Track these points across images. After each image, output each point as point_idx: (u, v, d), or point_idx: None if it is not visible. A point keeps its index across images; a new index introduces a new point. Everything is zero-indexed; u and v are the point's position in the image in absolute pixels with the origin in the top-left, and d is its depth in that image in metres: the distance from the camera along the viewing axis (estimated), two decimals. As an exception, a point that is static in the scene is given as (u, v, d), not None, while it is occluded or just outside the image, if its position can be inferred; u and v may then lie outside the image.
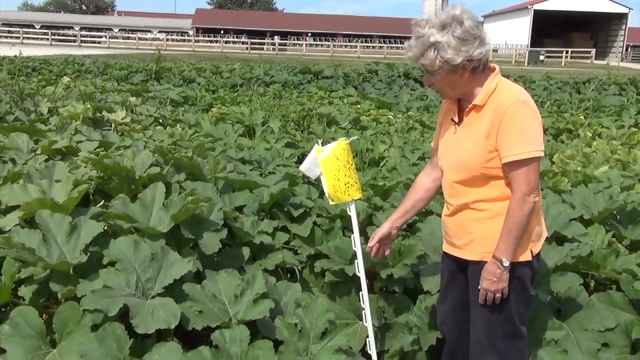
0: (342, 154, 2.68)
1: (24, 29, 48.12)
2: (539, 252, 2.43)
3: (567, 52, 46.01)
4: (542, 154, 2.23)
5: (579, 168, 5.69)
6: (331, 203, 2.77)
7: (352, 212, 2.76)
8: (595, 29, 57.40)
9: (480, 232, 2.36)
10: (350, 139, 2.82)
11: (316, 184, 4.15)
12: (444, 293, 2.69)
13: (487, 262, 2.33)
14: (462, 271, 2.52)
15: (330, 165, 2.67)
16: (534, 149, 2.18)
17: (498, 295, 2.30)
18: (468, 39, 2.20)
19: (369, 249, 2.74)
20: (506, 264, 2.25)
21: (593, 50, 49.09)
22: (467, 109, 2.34)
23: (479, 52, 2.22)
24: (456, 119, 2.41)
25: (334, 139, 2.80)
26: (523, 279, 2.35)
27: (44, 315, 2.75)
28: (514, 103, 2.19)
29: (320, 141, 2.80)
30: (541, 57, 44.27)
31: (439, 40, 2.19)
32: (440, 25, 2.20)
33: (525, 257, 2.33)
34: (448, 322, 2.66)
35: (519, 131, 2.18)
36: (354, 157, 6.81)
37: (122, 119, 7.00)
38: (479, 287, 2.33)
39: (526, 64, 42.19)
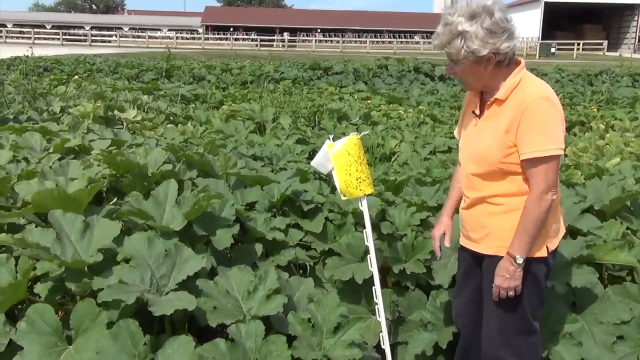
0: (354, 149, 2.68)
1: (35, 30, 48.43)
2: (556, 249, 2.40)
3: (578, 44, 45.60)
4: (562, 152, 2.20)
5: (591, 161, 5.65)
6: (343, 198, 2.77)
7: (364, 207, 2.76)
8: (607, 21, 56.80)
9: (496, 227, 2.34)
10: (362, 134, 2.81)
11: (327, 179, 4.15)
12: (460, 286, 2.68)
13: (501, 256, 2.31)
14: (478, 265, 2.50)
15: (341, 160, 2.67)
16: (554, 146, 2.14)
17: (511, 292, 2.28)
18: (497, 31, 2.16)
19: (434, 239, 2.70)
20: (520, 261, 2.23)
21: (605, 42, 48.62)
22: (488, 102, 2.31)
23: (506, 46, 2.19)
24: (477, 112, 2.39)
25: (344, 135, 2.79)
26: (537, 276, 2.33)
27: (60, 312, 2.77)
28: (537, 99, 2.16)
29: (331, 136, 2.80)
30: (552, 50, 43.90)
31: (467, 30, 2.15)
32: (470, 14, 2.16)
33: (541, 253, 2.31)
34: (463, 316, 2.65)
35: (540, 128, 2.15)
36: (365, 152, 6.82)
37: (133, 117, 7.04)
38: (493, 283, 2.32)
39: (537, 56, 41.86)
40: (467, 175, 2.40)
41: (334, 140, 2.76)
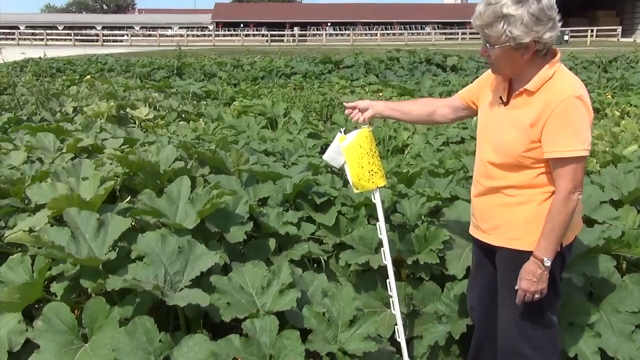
0: (365, 141, 2.66)
1: (48, 31, 48.80)
2: (571, 243, 2.37)
3: (592, 30, 45.06)
4: (588, 152, 2.14)
5: (607, 148, 5.57)
6: (355, 191, 2.76)
7: (377, 200, 2.74)
8: (621, 6, 55.92)
9: (507, 218, 2.30)
10: (373, 126, 2.79)
11: (340, 173, 4.14)
12: (474, 277, 2.65)
13: (512, 249, 2.27)
14: (489, 257, 2.47)
15: (353, 153, 2.66)
16: (582, 147, 2.09)
17: (537, 296, 2.23)
18: (542, 18, 2.06)
19: (348, 109, 2.79)
20: (548, 264, 2.18)
21: (619, 28, 47.99)
22: (517, 92, 2.23)
23: (549, 36, 2.10)
24: (504, 99, 2.30)
25: (356, 128, 2.78)
26: (553, 270, 2.27)
27: (76, 310, 2.79)
28: (569, 97, 2.08)
29: (342, 130, 2.79)
30: (566, 37, 43.34)
31: (512, 13, 2.05)
32: None
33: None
34: (477, 309, 2.63)
35: (570, 127, 2.08)
36: (377, 145, 6.81)
37: (145, 116, 7.07)
38: (517, 287, 2.26)
39: (550, 45, 41.37)
40: (484, 163, 2.35)
41: (345, 133, 2.75)
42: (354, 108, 2.77)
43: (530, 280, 2.21)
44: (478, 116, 2.48)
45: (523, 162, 2.20)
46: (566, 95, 2.08)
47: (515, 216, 2.27)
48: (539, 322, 2.35)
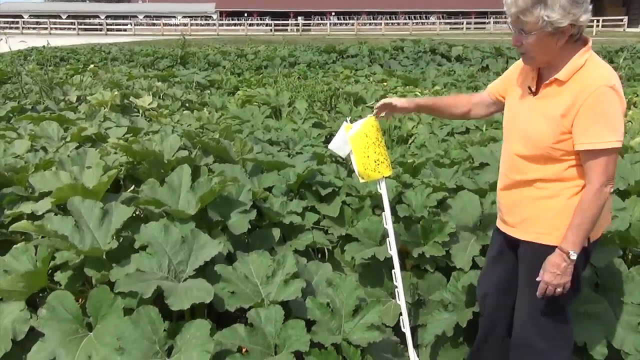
0: (371, 130, 2.64)
1: (51, 20, 48.71)
2: (597, 240, 2.30)
3: (598, 21, 44.72)
4: (621, 144, 2.06)
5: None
6: (361, 181, 2.74)
7: (383, 190, 2.72)
8: (628, -4, 55.64)
9: (535, 212, 2.24)
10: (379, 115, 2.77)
11: (344, 162, 4.12)
12: (490, 266, 2.60)
13: (539, 243, 2.23)
14: (512, 249, 2.42)
15: (359, 142, 2.64)
16: (615, 138, 2.02)
17: (559, 289, 2.19)
18: (580, 0, 2.01)
19: (376, 108, 2.69)
20: (573, 257, 2.13)
21: (625, 18, 47.60)
22: (547, 81, 2.16)
23: (585, 18, 2.04)
24: (533, 88, 2.23)
25: (360, 118, 2.75)
26: (577, 266, 2.20)
27: (80, 299, 2.79)
28: (602, 87, 2.01)
29: (348, 119, 2.77)
30: (571, 28, 43.06)
31: None
32: None
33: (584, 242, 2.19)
34: (489, 297, 2.58)
35: (603, 118, 2.02)
36: (382, 134, 6.77)
37: (149, 105, 7.05)
38: (538, 278, 2.21)
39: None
40: (512, 156, 2.29)
41: (351, 122, 2.73)
42: (383, 108, 2.70)
43: (554, 273, 2.16)
44: (505, 109, 2.41)
45: (553, 154, 2.14)
46: (599, 85, 2.02)
47: (543, 210, 2.22)
48: (556, 318, 2.31)
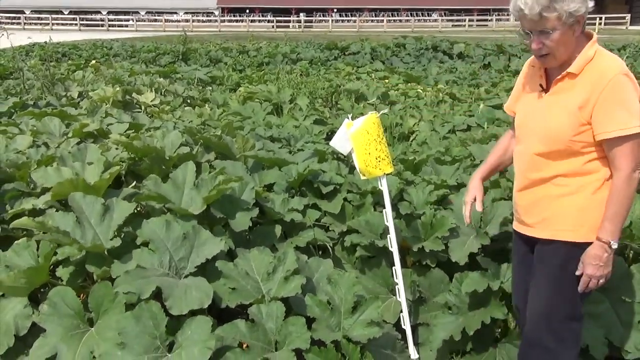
0: (373, 127, 2.64)
1: (53, 15, 48.67)
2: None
3: (600, 18, 44.59)
4: None
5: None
6: (363, 178, 2.75)
7: (384, 187, 2.73)
8: (630, -7, 55.49)
9: (557, 210, 2.21)
10: (380, 112, 2.77)
11: (346, 159, 4.12)
12: (516, 275, 2.56)
13: (559, 240, 2.21)
14: (532, 251, 2.38)
15: (361, 139, 2.64)
16: (639, 123, 2.03)
17: (602, 281, 2.18)
18: None
19: (466, 204, 2.53)
20: (615, 246, 2.12)
21: (628, 16, 47.50)
22: (558, 77, 2.16)
23: (591, 5, 2.07)
24: (544, 85, 2.23)
25: (362, 115, 2.76)
26: None
27: (82, 295, 2.80)
28: (617, 75, 2.04)
29: (349, 116, 2.77)
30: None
31: None
32: None
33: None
34: (522, 310, 2.51)
35: (623, 105, 2.03)
36: (384, 131, 6.78)
37: (151, 101, 7.05)
38: (579, 272, 2.18)
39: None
40: (530, 155, 2.26)
41: (352, 119, 2.73)
42: (474, 200, 2.56)
43: (597, 265, 2.14)
44: (517, 111, 2.39)
45: (572, 148, 2.13)
46: (614, 74, 2.04)
47: (565, 207, 2.20)
48: (568, 317, 2.29)
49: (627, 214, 2.14)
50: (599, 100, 2.05)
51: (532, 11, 2.04)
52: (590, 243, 2.15)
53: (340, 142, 2.73)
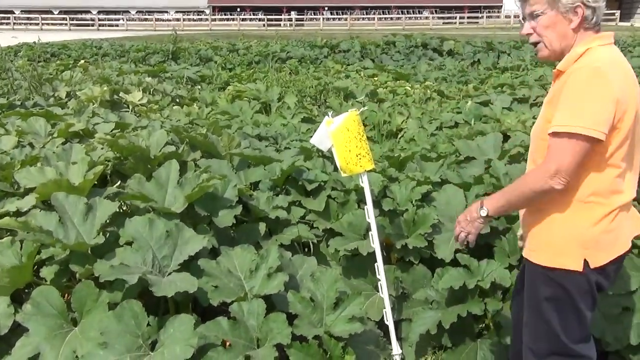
0: (353, 125, 2.66)
1: (43, 15, 48.38)
2: (605, 266, 1.95)
3: (590, 15, 44.69)
4: (596, 136, 1.79)
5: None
6: (343, 175, 2.76)
7: (365, 183, 2.74)
8: (620, -10, 55.70)
9: (528, 226, 2.09)
10: (360, 109, 2.79)
11: (331, 157, 4.12)
12: (515, 292, 2.41)
13: (532, 262, 2.05)
14: None
15: (340, 137, 2.65)
16: (579, 124, 1.78)
17: (462, 235, 2.11)
18: None
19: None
20: (482, 213, 2.03)
21: (617, 12, 47.69)
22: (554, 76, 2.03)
23: (598, 3, 1.90)
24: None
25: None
26: (569, 290, 1.96)
27: (66, 295, 2.80)
28: (584, 67, 1.84)
29: (330, 113, 2.78)
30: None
31: None
32: None
33: (572, 265, 1.93)
34: (516, 329, 2.36)
35: (573, 99, 1.82)
36: (372, 129, 6.80)
37: (138, 100, 7.03)
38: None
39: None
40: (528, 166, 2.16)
41: (332, 117, 2.75)
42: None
43: (464, 217, 2.11)
44: None
45: (542, 148, 1.96)
46: (582, 65, 1.86)
47: (531, 225, 2.06)
48: (554, 351, 2.06)
49: (515, 202, 1.98)
50: (562, 93, 1.88)
51: None
52: (557, 269, 1.96)
53: (321, 140, 2.74)
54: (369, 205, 2.73)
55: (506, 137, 4.88)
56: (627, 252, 2.03)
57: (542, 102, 2.18)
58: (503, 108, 6.77)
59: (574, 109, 1.82)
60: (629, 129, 1.89)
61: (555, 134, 1.85)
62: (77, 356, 2.32)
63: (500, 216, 2.07)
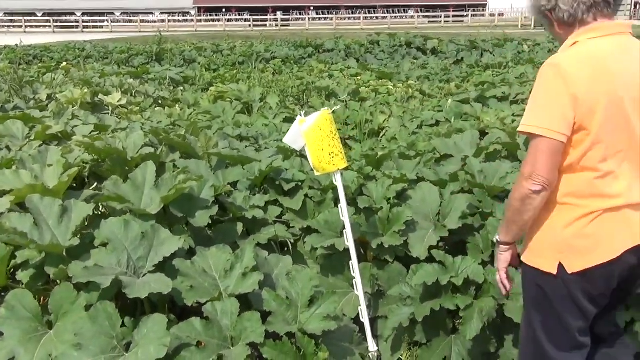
0: (325, 124, 2.68)
1: (26, 18, 47.98)
2: (588, 272, 1.86)
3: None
4: (551, 136, 1.76)
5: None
6: (316, 174, 2.78)
7: (339, 182, 2.77)
8: (603, -13, 56.03)
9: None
10: (333, 109, 2.81)
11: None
12: None
13: (522, 261, 2.04)
14: None
15: (313, 136, 2.67)
16: (534, 124, 1.79)
17: (497, 277, 2.10)
18: None
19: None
20: (494, 239, 2.09)
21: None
22: None
23: (565, 6, 1.88)
24: None
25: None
26: (546, 292, 1.94)
27: (42, 298, 2.80)
28: (543, 65, 1.83)
29: (302, 113, 2.80)
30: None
31: None
32: None
33: (546, 266, 1.91)
34: None
35: (532, 99, 1.82)
36: (353, 128, 6.82)
37: (118, 102, 7.00)
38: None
39: (532, 27, 41.57)
40: None
41: (305, 116, 2.77)
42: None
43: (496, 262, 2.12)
44: None
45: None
46: (545, 63, 1.85)
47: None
48: (537, 356, 2.04)
49: (513, 218, 1.93)
50: None
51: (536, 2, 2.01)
52: (536, 269, 1.96)
53: (294, 139, 2.76)
54: (343, 204, 2.75)
55: (485, 135, 4.92)
56: (616, 260, 1.86)
57: (522, 100, 2.20)
58: (483, 106, 6.83)
59: (530, 107, 1.83)
60: (607, 130, 1.80)
61: (526, 134, 1.84)
62: (52, 359, 2.32)
63: (517, 240, 2.05)
